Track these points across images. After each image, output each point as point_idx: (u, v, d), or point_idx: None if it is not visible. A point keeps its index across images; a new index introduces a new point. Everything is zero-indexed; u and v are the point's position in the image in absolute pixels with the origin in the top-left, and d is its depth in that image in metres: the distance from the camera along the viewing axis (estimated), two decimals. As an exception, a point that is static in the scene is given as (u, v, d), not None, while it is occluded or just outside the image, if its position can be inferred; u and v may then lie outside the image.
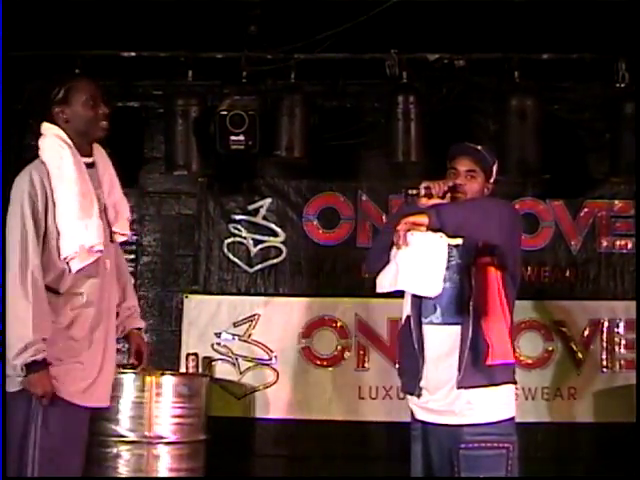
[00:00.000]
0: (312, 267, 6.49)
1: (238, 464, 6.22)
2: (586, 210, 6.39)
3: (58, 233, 3.63)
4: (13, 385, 3.60)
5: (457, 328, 3.90)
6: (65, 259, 3.64)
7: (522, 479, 3.92)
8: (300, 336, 6.38)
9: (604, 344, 6.28)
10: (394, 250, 3.82)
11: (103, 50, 6.11)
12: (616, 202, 6.39)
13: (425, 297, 3.90)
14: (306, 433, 6.28)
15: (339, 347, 6.37)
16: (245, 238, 6.51)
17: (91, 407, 3.76)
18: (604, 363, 6.27)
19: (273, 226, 6.52)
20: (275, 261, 6.51)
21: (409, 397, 4.04)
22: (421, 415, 3.97)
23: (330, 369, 6.36)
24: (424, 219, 3.65)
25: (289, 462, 6.29)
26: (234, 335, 6.39)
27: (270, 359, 6.37)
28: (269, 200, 6.53)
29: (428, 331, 3.96)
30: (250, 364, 6.37)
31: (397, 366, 4.22)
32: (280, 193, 6.54)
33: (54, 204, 3.62)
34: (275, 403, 6.33)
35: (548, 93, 6.22)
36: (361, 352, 6.36)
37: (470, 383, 3.83)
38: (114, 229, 3.86)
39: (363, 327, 6.37)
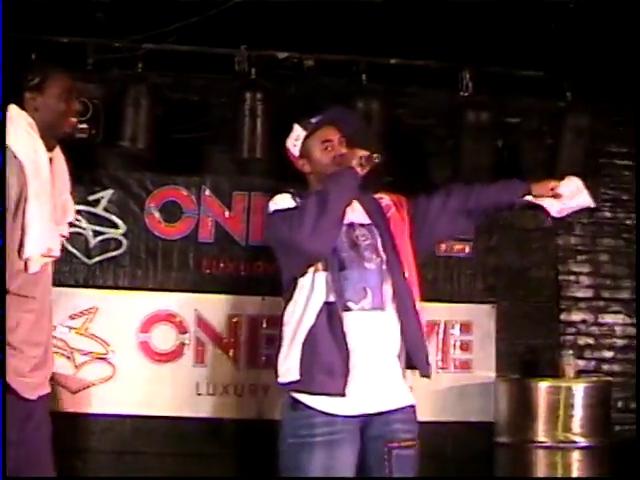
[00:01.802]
0: (152, 260, 6.39)
1: (71, 461, 6.09)
2: (426, 213, 6.52)
3: (22, 231, 3.38)
4: None
5: (383, 314, 3.60)
6: (26, 259, 3.42)
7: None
8: (138, 330, 6.28)
9: (439, 345, 6.44)
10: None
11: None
12: (455, 206, 6.54)
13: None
14: (143, 429, 6.19)
15: (178, 342, 6.31)
16: (84, 229, 6.36)
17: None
18: (439, 364, 6.42)
19: (114, 218, 6.39)
20: (115, 253, 6.38)
21: (332, 399, 3.48)
22: (347, 409, 3.50)
23: (168, 364, 6.28)
24: None
25: (124, 458, 6.18)
26: (70, 328, 6.23)
27: (107, 353, 6.24)
28: (110, 191, 6.39)
29: (357, 318, 3.52)
30: (86, 358, 6.23)
31: (299, 365, 3.54)
32: (122, 185, 6.41)
33: (25, 200, 3.37)
34: (111, 398, 6.19)
35: (394, 97, 6.33)
36: (199, 348, 6.31)
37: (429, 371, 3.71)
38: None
39: (202, 323, 6.31)
